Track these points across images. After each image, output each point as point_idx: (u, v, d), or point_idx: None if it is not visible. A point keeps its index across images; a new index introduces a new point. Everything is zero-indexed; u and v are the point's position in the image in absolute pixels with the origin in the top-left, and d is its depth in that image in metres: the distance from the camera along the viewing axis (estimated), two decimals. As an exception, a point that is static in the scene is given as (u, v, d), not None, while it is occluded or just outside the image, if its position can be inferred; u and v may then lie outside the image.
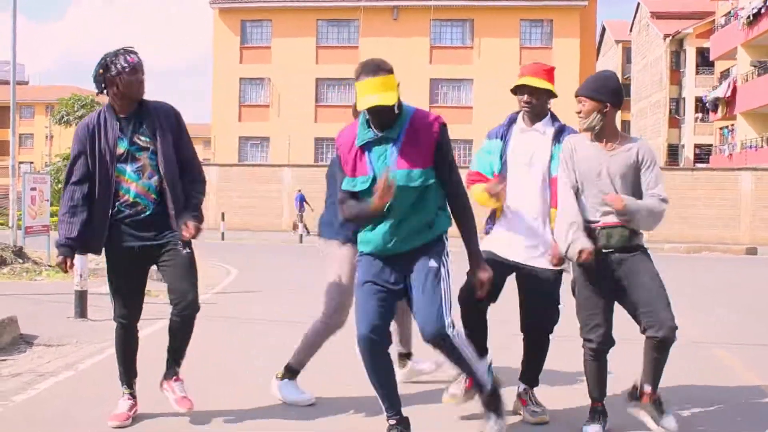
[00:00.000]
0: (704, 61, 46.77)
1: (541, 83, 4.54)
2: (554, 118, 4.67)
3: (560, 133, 4.57)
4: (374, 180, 3.95)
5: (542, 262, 4.50)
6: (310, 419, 4.65)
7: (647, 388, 4.37)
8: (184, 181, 4.44)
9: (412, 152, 3.97)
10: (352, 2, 40.01)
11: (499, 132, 4.71)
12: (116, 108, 4.38)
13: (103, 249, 4.46)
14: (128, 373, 4.63)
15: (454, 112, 38.02)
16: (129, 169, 4.35)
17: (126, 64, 4.26)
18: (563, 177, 4.38)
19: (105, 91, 4.36)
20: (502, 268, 4.47)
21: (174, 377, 4.60)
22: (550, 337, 4.67)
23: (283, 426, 4.55)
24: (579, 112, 4.36)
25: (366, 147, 4.02)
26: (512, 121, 4.73)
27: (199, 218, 4.38)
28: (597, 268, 4.24)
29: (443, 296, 3.96)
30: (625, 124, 61.51)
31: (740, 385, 5.64)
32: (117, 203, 4.36)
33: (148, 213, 4.37)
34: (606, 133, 4.35)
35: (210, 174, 32.59)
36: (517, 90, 4.61)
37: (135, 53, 4.34)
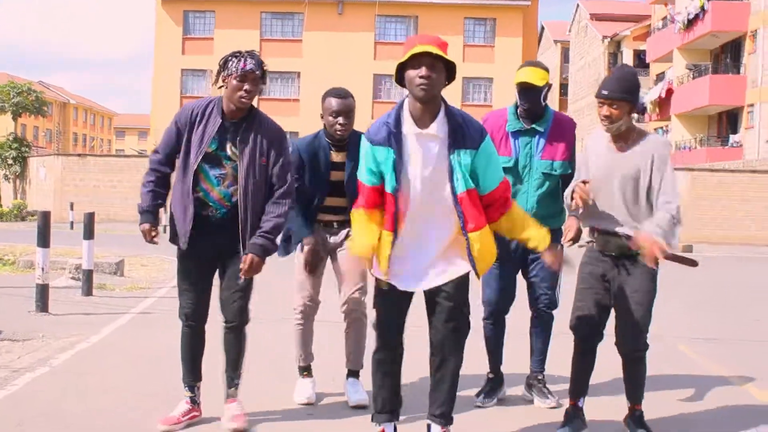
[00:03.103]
0: (641, 63, 47.78)
1: (442, 54, 3.55)
2: (449, 113, 3.69)
3: (455, 134, 3.64)
4: (516, 161, 4.66)
5: (447, 276, 3.78)
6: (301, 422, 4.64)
7: (628, 402, 4.38)
8: (269, 200, 4.21)
9: (556, 145, 4.70)
10: (297, -5, 39.85)
11: (379, 133, 3.71)
12: (224, 109, 4.17)
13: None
14: (190, 375, 4.39)
15: (398, 108, 38.09)
16: (211, 173, 4.16)
17: (235, 69, 4.04)
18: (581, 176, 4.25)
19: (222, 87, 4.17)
20: (402, 301, 3.86)
21: (228, 398, 4.34)
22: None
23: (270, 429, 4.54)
24: (608, 117, 4.02)
25: (514, 134, 4.71)
26: (398, 120, 3.69)
27: (265, 247, 4.15)
28: (594, 265, 4.25)
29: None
30: (563, 123, 62.52)
31: (710, 379, 5.82)
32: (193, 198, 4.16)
33: (219, 215, 4.17)
34: (625, 132, 4.11)
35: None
36: (412, 63, 3.56)
37: (254, 60, 4.07)
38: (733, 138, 36.19)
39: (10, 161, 35.92)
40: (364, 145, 3.77)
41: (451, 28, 39.92)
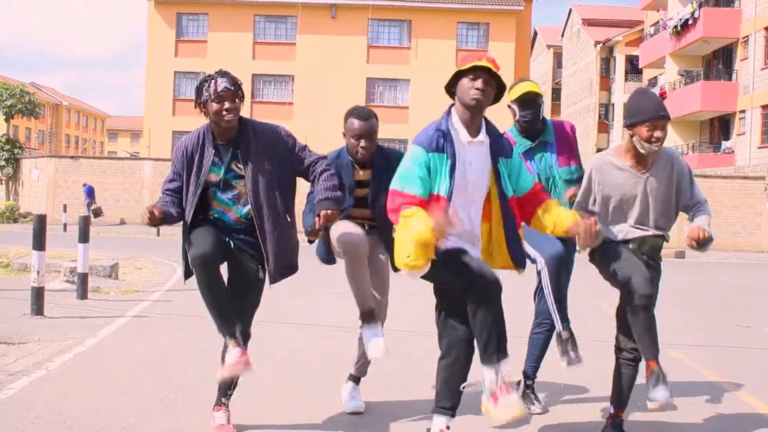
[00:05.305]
0: (633, 69, 47.97)
1: (498, 75, 3.83)
2: (489, 125, 3.97)
3: (495, 144, 3.93)
4: (538, 178, 4.62)
5: None
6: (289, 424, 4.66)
7: (611, 409, 4.37)
8: (314, 183, 4.15)
9: (565, 151, 4.84)
10: (291, -1, 39.87)
11: (435, 141, 3.83)
12: (215, 133, 4.13)
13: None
14: (225, 324, 4.05)
15: (390, 111, 38.13)
16: (224, 196, 4.14)
17: (209, 94, 4.00)
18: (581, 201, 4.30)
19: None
20: None
21: (216, 406, 4.32)
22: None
23: None
24: (661, 138, 4.14)
25: (527, 153, 4.76)
26: (448, 128, 3.88)
27: (333, 199, 4.01)
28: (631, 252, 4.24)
29: None
30: (555, 127, 62.58)
31: (702, 385, 5.88)
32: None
33: (240, 236, 4.16)
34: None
35: (144, 169, 32.07)
36: (470, 74, 3.81)
37: (225, 77, 4.03)
38: (725, 144, 36.34)
39: (2, 163, 35.86)
40: (416, 153, 3.80)
41: (444, 32, 40.04)
